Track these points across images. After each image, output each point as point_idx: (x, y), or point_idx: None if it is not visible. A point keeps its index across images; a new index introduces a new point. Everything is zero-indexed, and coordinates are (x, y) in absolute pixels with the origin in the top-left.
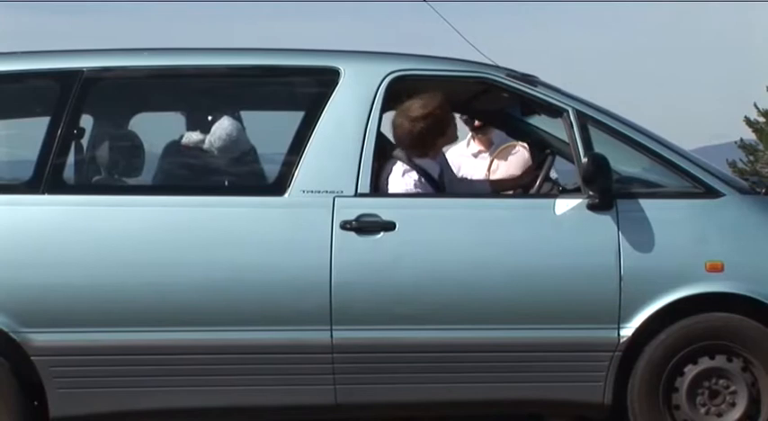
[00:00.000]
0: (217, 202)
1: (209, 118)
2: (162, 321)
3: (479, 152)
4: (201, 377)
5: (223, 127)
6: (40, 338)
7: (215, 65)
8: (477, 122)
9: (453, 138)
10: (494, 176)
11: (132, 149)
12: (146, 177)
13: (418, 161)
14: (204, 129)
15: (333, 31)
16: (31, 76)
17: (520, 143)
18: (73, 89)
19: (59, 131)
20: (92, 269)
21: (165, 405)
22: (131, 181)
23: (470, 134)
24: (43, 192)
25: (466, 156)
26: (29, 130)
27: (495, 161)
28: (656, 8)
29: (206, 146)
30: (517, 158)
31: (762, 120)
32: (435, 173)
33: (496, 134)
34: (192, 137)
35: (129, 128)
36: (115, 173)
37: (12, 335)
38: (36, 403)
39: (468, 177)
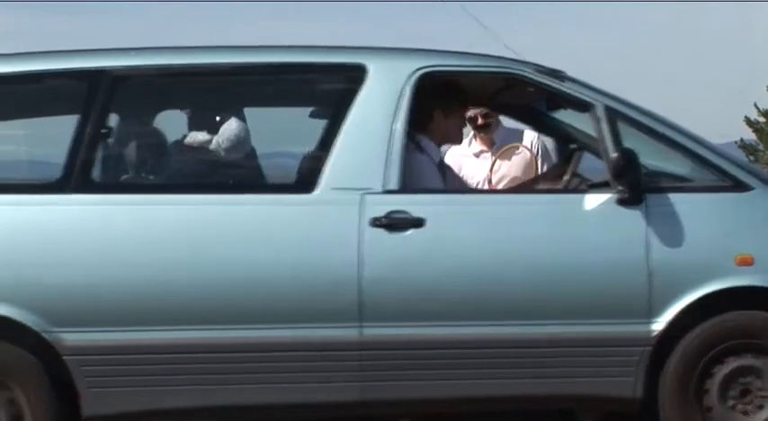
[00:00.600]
0: (245, 200)
1: (218, 119)
2: (192, 320)
3: (481, 152)
4: (232, 375)
5: (231, 128)
6: (71, 338)
7: (241, 63)
8: (480, 121)
9: (449, 135)
10: (495, 176)
11: (159, 148)
12: (174, 176)
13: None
14: (211, 130)
15: (333, 31)
16: (58, 75)
17: (523, 145)
18: (101, 88)
19: (87, 130)
20: (122, 268)
21: (197, 403)
22: (159, 179)
23: (471, 134)
24: (72, 192)
25: (467, 156)
26: (58, 130)
27: (498, 161)
28: (656, 8)
29: (213, 146)
30: (520, 159)
31: (762, 120)
32: (436, 158)
33: (498, 134)
34: (198, 137)
35: (156, 126)
36: (143, 171)
37: (43, 334)
38: (68, 402)
39: (471, 178)
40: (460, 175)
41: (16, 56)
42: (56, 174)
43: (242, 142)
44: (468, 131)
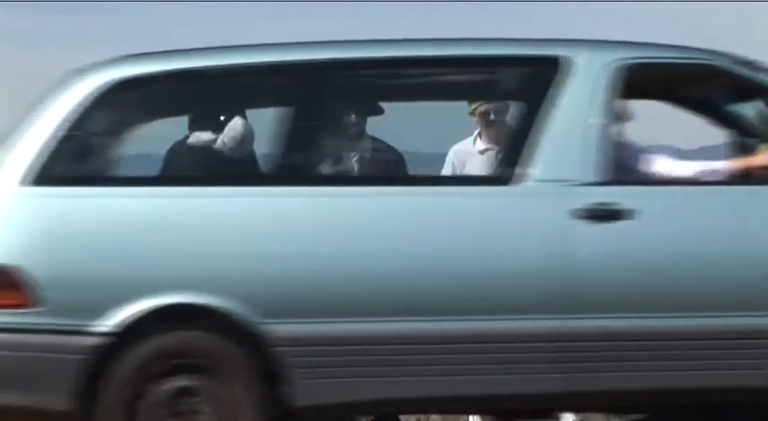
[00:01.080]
0: (452, 192)
1: (222, 118)
2: (401, 311)
3: (486, 149)
4: (441, 366)
5: (236, 127)
6: (282, 329)
7: (443, 55)
8: (493, 117)
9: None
10: None
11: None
12: (381, 169)
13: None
14: (215, 130)
15: (333, 31)
16: (266, 68)
17: None
18: (308, 81)
19: (297, 124)
20: (332, 260)
21: (407, 394)
22: (364, 171)
23: (477, 132)
24: (281, 184)
25: (472, 154)
26: (265, 122)
27: None
28: (656, 8)
29: (218, 145)
30: None
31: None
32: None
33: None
34: (202, 137)
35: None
36: (348, 164)
37: (254, 326)
38: (274, 393)
39: None
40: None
41: (223, 49)
42: (264, 166)
43: (246, 141)
44: (474, 129)
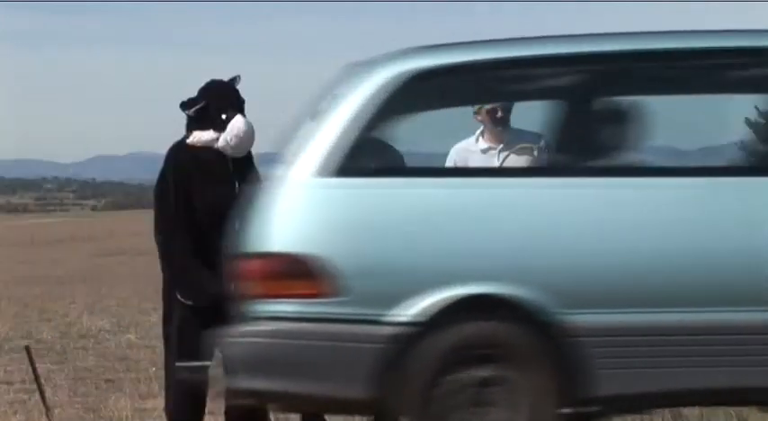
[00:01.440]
0: (738, 184)
1: (224, 117)
2: (703, 302)
3: (488, 149)
4: (744, 357)
5: (238, 125)
6: (583, 319)
7: (714, 47)
8: (500, 114)
9: None
10: None
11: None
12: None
13: None
14: (217, 128)
15: (333, 30)
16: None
17: (536, 145)
18: (584, 72)
19: (593, 117)
20: (633, 251)
21: (709, 385)
22: (649, 162)
23: (480, 130)
24: (574, 175)
25: (474, 152)
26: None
27: (511, 157)
28: (656, 8)
29: (220, 144)
30: (528, 159)
31: (762, 121)
32: None
33: (509, 133)
34: (203, 137)
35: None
36: (632, 155)
37: (554, 316)
38: (572, 383)
39: None
40: None
41: (517, 41)
42: (559, 159)
43: (249, 138)
44: (476, 128)
